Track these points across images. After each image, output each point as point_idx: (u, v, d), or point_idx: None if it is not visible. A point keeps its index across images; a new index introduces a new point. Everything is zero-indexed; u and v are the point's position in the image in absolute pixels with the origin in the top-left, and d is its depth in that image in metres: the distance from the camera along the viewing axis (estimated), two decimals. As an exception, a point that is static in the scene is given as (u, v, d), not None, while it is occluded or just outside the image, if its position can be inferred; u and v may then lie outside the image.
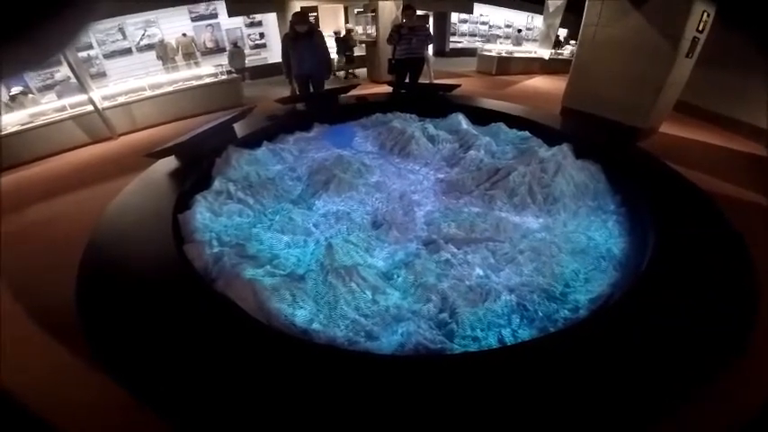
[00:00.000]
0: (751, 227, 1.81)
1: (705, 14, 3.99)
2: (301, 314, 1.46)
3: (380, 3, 7.49)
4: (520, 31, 12.42)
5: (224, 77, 6.35)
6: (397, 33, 4.58)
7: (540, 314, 1.54)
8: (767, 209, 2.96)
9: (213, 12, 8.05)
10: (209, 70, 6.46)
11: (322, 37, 4.17)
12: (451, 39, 12.59)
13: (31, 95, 5.36)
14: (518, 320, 1.52)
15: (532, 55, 10.05)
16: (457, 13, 12.27)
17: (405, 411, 1.02)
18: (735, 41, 4.86)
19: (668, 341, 1.22)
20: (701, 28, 4.05)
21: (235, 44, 8.23)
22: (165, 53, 7.52)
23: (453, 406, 1.03)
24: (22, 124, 4.73)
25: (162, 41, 7.55)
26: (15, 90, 5.07)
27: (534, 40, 11.76)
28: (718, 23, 4.18)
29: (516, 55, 9.74)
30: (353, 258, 1.78)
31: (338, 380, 1.11)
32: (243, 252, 1.76)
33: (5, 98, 5.00)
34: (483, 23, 12.84)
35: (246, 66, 8.32)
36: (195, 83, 6.16)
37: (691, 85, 4.60)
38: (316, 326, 1.41)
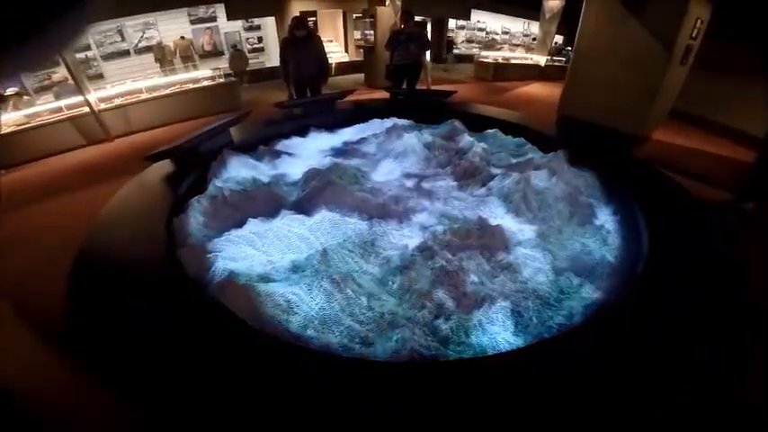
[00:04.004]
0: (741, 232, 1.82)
1: (699, 21, 4.06)
2: (295, 320, 1.45)
3: (379, 8, 7.55)
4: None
5: (221, 80, 6.36)
6: (395, 39, 4.62)
7: (535, 320, 1.54)
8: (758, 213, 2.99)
9: (212, 15, 8.06)
10: (206, 73, 6.47)
11: (320, 42, 4.20)
12: (449, 45, 12.67)
13: (26, 97, 5.32)
14: (513, 327, 1.52)
15: (529, 61, 10.15)
16: (454, 20, 12.37)
17: (399, 417, 1.01)
18: (728, 48, 4.94)
19: (662, 346, 1.23)
20: (694, 35, 4.11)
21: (235, 47, 8.25)
22: (162, 55, 7.52)
23: (448, 412, 1.03)
24: (18, 125, 4.70)
25: (160, 44, 7.55)
26: (11, 91, 5.02)
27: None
28: (712, 31, 4.25)
29: (513, 61, 9.83)
30: (349, 264, 1.78)
31: (332, 385, 1.10)
32: (237, 257, 1.76)
33: None
34: (480, 30, 12.97)
35: (247, 69, 8.33)
36: (192, 86, 6.16)
37: (684, 92, 4.66)
38: (310, 332, 1.41)
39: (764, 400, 1.45)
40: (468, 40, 12.86)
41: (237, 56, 8.05)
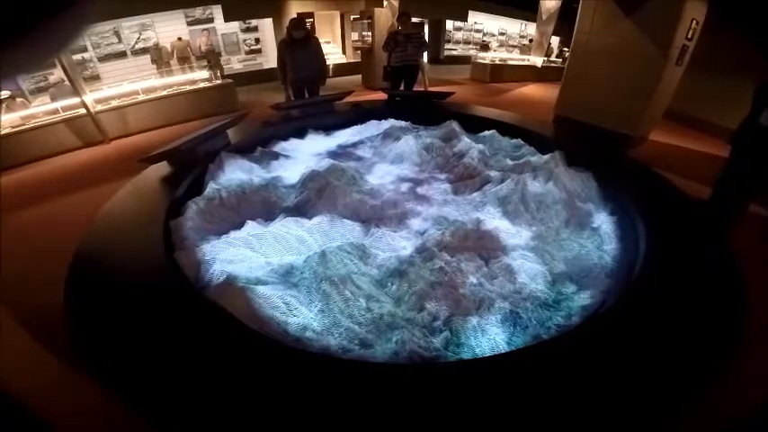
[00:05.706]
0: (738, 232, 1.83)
1: (694, 22, 4.08)
2: (294, 322, 1.45)
3: (377, 9, 7.56)
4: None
5: (219, 82, 6.34)
6: (393, 40, 4.62)
7: (534, 321, 1.55)
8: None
9: (209, 16, 8.04)
10: (203, 75, 6.45)
11: (318, 43, 4.20)
12: (446, 46, 12.71)
13: (19, 99, 5.26)
14: (512, 328, 1.53)
15: (526, 63, 10.18)
16: (452, 21, 12.40)
17: (399, 419, 1.01)
18: (723, 48, 4.97)
19: (660, 347, 1.23)
20: (689, 36, 4.13)
21: (212, 50, 8.23)
22: (159, 57, 7.49)
23: (448, 413, 1.03)
24: (13, 127, 4.67)
25: (157, 45, 7.52)
26: (4, 94, 4.97)
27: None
28: (707, 31, 4.27)
29: (510, 63, 9.86)
30: (347, 266, 1.78)
31: (332, 388, 1.10)
32: (235, 259, 1.75)
33: None
34: (477, 31, 13.00)
35: (224, 72, 8.25)
36: (189, 87, 6.14)
37: (680, 92, 4.69)
38: (309, 334, 1.41)
39: (763, 401, 1.45)
40: (466, 41, 12.89)
41: (213, 58, 7.99)
